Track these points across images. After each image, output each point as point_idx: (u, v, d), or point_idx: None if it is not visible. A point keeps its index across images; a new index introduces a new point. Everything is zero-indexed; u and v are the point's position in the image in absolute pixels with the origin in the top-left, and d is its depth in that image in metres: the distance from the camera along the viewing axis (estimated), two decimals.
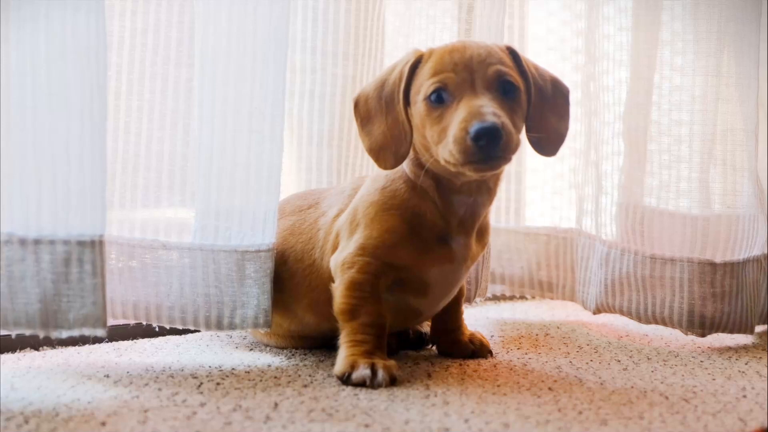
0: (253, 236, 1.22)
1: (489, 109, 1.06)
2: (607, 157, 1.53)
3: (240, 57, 1.20)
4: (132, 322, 1.24)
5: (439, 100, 1.10)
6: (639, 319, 1.48)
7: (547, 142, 1.18)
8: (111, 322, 1.32)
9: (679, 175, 1.47)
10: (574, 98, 1.62)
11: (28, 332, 1.06)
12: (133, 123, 1.23)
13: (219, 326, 1.22)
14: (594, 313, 1.54)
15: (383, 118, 1.16)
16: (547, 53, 1.73)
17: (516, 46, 1.63)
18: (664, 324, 1.46)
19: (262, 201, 1.22)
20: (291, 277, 1.25)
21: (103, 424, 0.92)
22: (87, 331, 1.06)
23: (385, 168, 1.17)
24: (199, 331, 1.38)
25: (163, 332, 1.38)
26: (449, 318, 1.30)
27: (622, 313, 1.50)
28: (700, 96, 1.45)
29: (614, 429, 0.95)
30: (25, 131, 1.04)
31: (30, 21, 1.03)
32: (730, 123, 1.46)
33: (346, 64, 1.46)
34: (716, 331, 1.43)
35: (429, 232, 1.16)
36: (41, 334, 1.06)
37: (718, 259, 1.43)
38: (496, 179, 1.19)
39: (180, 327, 1.23)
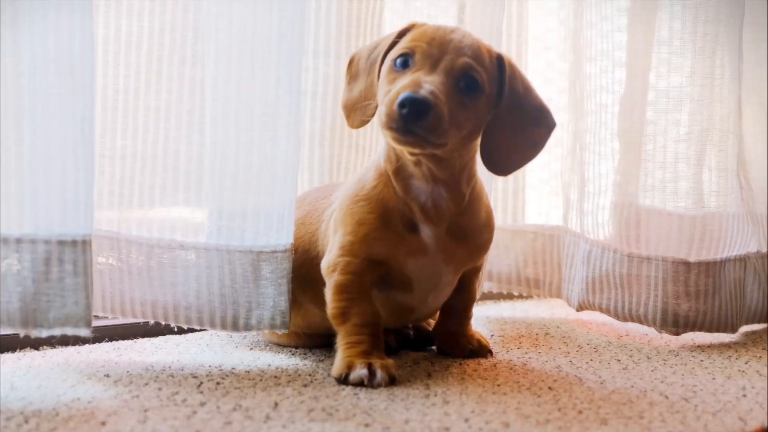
0: (267, 236, 1.22)
1: (428, 87, 1.06)
2: (592, 156, 1.53)
3: (253, 56, 1.19)
4: (151, 321, 1.25)
5: (404, 65, 1.11)
6: (617, 317, 1.49)
7: (503, 162, 1.17)
8: (127, 320, 1.33)
9: (655, 175, 1.48)
10: (563, 101, 1.64)
11: (8, 331, 1.06)
12: (151, 122, 1.24)
13: (235, 327, 1.22)
14: (577, 311, 1.55)
15: (365, 78, 1.18)
16: (546, 52, 1.73)
17: (515, 45, 1.65)
18: (640, 322, 1.47)
19: (277, 201, 1.22)
20: (299, 267, 1.25)
21: (103, 423, 0.92)
22: (69, 331, 1.06)
23: (352, 126, 1.20)
24: (203, 330, 1.38)
25: (163, 332, 1.38)
26: (453, 323, 1.30)
27: (601, 310, 1.51)
28: (676, 96, 1.46)
29: (614, 428, 0.95)
30: (6, 131, 1.04)
31: (11, 19, 1.03)
32: (707, 123, 1.47)
33: (339, 63, 1.46)
34: (691, 330, 1.44)
35: (397, 221, 1.16)
36: (21, 333, 1.06)
37: (692, 258, 1.44)
38: (452, 175, 1.16)
39: (197, 327, 1.24)
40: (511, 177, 1.69)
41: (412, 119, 1.04)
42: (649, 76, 1.48)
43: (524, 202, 1.73)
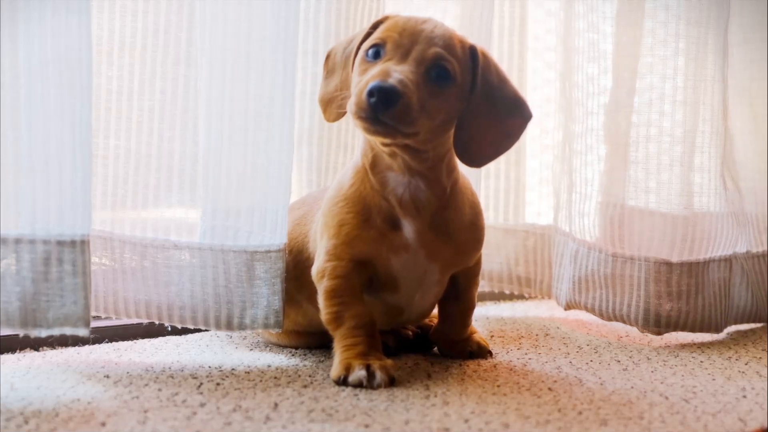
0: (261, 236, 1.22)
1: (397, 75, 1.05)
2: (579, 156, 1.54)
3: (248, 57, 1.20)
4: (145, 321, 1.25)
5: (375, 55, 1.11)
6: (601, 316, 1.50)
7: (477, 153, 1.16)
8: (127, 321, 1.33)
9: (640, 176, 1.49)
10: (563, 102, 1.64)
11: (7, 331, 1.06)
12: (145, 123, 1.24)
13: (229, 326, 1.23)
14: (565, 309, 1.56)
15: (341, 72, 1.18)
16: (546, 53, 1.73)
17: (507, 44, 1.66)
18: (623, 321, 1.47)
19: (270, 200, 1.22)
20: (295, 267, 1.25)
21: (103, 424, 0.92)
22: (68, 331, 1.07)
23: (328, 120, 1.20)
24: (201, 330, 1.38)
25: (163, 332, 1.38)
26: (452, 330, 1.29)
27: (587, 309, 1.52)
28: (661, 97, 1.46)
29: (614, 429, 0.95)
30: (5, 131, 1.04)
31: (9, 20, 1.03)
32: (692, 125, 1.47)
33: None
34: (674, 330, 1.45)
35: (377, 217, 1.16)
36: (21, 333, 1.06)
37: (675, 259, 1.44)
38: (432, 168, 1.15)
39: (191, 327, 1.24)
40: (503, 175, 1.70)
41: (381, 108, 1.04)
42: (635, 78, 1.49)
43: (517, 201, 1.73)
